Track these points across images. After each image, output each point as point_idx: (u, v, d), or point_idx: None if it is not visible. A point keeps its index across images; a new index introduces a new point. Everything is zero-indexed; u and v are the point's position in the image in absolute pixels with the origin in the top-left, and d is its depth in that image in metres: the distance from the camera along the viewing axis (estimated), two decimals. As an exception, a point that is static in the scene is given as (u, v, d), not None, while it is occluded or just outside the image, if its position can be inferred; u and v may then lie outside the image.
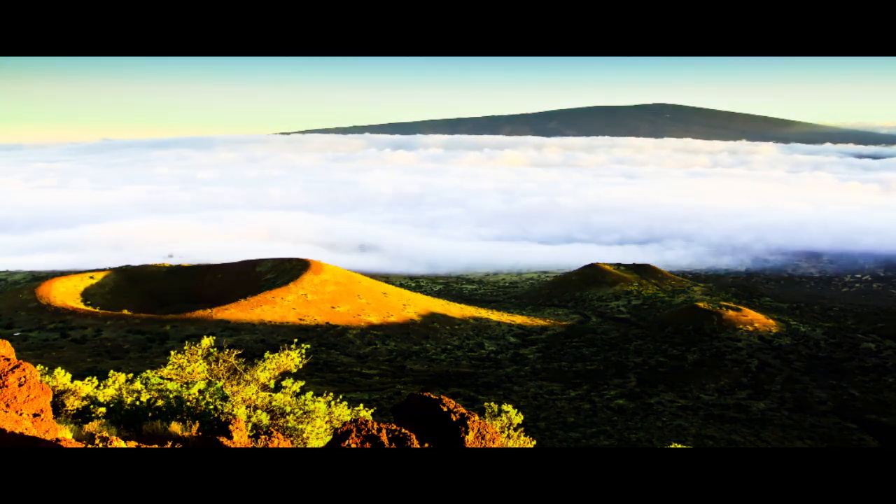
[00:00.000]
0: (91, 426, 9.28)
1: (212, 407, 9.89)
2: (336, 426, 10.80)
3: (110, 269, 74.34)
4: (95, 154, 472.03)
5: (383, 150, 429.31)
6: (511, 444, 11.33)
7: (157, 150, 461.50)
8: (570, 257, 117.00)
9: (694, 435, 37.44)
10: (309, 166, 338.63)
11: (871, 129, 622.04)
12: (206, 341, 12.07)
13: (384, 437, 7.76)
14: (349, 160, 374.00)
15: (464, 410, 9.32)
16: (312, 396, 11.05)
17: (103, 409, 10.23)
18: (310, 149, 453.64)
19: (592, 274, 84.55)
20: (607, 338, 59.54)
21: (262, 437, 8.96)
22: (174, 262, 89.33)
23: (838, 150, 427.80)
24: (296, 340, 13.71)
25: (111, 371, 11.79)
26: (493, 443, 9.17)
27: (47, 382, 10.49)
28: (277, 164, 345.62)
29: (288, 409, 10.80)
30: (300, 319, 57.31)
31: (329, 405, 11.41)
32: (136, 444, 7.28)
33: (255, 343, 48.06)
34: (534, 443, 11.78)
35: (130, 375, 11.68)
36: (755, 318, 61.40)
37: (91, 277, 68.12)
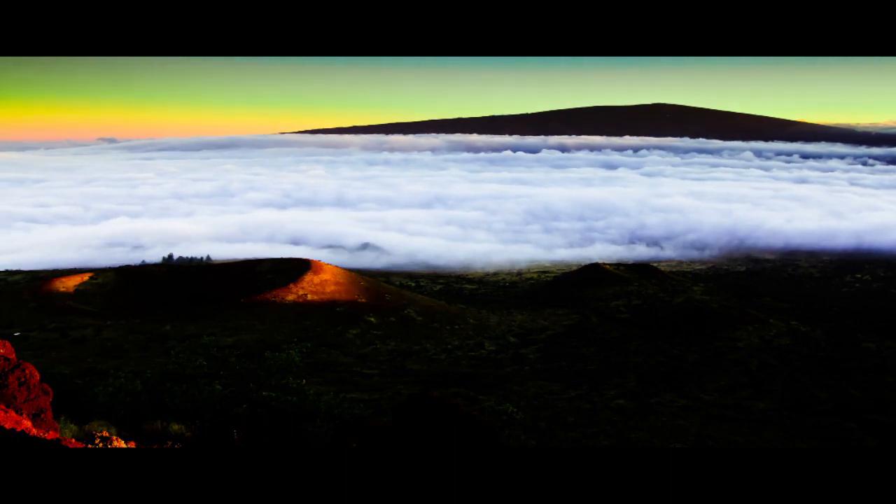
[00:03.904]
0: (91, 426, 9.29)
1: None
2: (336, 425, 10.79)
3: (110, 268, 74.40)
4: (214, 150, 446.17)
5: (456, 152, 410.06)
6: (511, 444, 11.34)
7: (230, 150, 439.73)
8: (571, 257, 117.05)
9: (694, 435, 37.42)
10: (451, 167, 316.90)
11: (871, 129, 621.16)
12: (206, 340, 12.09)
13: (384, 437, 7.75)
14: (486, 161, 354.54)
15: (464, 410, 9.31)
16: (313, 396, 11.06)
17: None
18: (394, 148, 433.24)
19: (592, 274, 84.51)
20: (607, 338, 59.50)
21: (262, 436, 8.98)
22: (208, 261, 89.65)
23: (838, 150, 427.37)
24: (295, 340, 13.71)
25: (110, 371, 11.83)
26: (493, 443, 9.16)
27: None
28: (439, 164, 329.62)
29: (289, 407, 10.82)
30: (300, 319, 57.31)
31: (329, 405, 11.42)
32: (136, 443, 7.27)
33: (255, 343, 48.05)
34: (534, 442, 11.79)
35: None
36: (755, 318, 61.40)
37: (91, 277, 68.14)
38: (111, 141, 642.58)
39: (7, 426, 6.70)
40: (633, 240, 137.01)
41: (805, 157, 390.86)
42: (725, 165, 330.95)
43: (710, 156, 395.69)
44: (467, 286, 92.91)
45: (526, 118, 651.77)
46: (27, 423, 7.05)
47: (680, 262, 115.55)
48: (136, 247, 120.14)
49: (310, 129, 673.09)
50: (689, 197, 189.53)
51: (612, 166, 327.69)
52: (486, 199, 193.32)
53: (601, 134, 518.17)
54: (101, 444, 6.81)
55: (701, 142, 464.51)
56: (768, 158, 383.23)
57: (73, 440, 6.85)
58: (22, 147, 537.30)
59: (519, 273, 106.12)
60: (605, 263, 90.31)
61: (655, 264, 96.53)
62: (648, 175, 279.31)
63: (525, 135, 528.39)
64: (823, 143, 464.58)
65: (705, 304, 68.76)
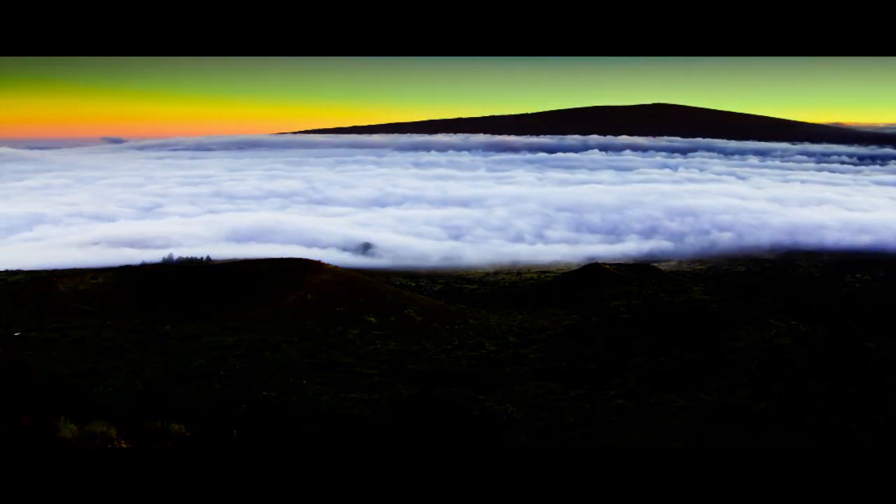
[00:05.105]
0: (91, 426, 9.29)
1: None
2: (336, 425, 10.79)
3: (110, 268, 74.41)
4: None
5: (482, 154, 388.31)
6: (511, 444, 11.34)
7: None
8: (571, 257, 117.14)
9: (694, 435, 37.43)
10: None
11: (872, 128, 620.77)
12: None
13: (384, 437, 7.75)
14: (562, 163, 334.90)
15: (464, 410, 9.31)
16: (313, 396, 11.05)
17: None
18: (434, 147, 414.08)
19: (592, 274, 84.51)
20: (607, 338, 59.52)
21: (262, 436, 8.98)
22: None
23: (838, 150, 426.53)
24: (295, 340, 13.71)
25: (110, 371, 11.83)
26: (493, 443, 9.16)
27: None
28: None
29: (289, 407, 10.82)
30: (300, 319, 57.32)
31: (329, 405, 11.41)
32: (136, 443, 7.27)
33: (256, 343, 48.07)
34: (534, 442, 11.78)
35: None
36: (755, 318, 61.41)
37: (91, 277, 68.17)
38: (116, 141, 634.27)
39: (7, 426, 6.71)
40: (798, 235, 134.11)
41: (861, 158, 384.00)
42: (799, 168, 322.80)
43: (762, 157, 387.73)
44: (467, 286, 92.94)
45: (527, 118, 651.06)
46: (27, 424, 7.05)
47: (680, 262, 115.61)
48: (311, 244, 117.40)
49: (309, 129, 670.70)
50: (810, 201, 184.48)
51: (672, 167, 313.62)
52: (596, 197, 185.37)
53: (613, 134, 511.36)
54: (101, 445, 6.81)
55: (749, 144, 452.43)
56: (821, 161, 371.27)
57: (74, 440, 6.85)
58: (29, 145, 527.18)
59: (519, 273, 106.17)
60: (605, 263, 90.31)
61: (655, 264, 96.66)
62: (735, 176, 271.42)
63: (555, 134, 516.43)
64: (873, 145, 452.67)
65: (705, 304, 68.68)
